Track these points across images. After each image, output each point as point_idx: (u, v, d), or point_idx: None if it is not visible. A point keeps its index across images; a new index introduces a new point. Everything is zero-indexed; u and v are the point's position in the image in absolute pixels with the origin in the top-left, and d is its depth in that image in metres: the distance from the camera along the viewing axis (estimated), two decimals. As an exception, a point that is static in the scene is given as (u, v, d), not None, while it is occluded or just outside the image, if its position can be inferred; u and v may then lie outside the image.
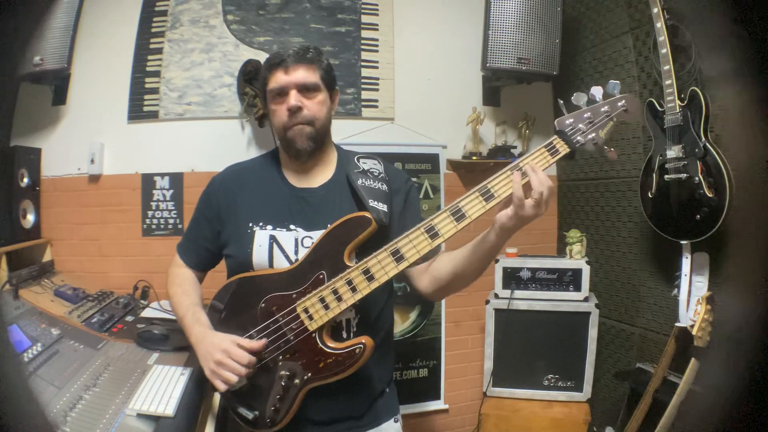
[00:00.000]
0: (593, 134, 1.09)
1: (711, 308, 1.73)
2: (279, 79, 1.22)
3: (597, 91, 1.11)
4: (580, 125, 1.10)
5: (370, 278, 1.12)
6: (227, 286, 1.26)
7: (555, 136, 1.10)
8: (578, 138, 1.09)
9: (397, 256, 1.11)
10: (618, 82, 1.10)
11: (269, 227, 1.24)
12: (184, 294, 1.32)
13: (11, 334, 1.42)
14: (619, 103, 1.10)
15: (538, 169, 1.05)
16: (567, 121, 1.11)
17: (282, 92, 1.23)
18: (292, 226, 1.24)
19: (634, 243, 2.39)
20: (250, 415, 1.18)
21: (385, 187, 1.28)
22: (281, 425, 1.19)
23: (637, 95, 2.32)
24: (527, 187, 1.04)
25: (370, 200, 1.21)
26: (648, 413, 1.93)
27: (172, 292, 1.35)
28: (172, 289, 1.35)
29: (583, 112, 1.11)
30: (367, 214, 1.17)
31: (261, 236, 1.24)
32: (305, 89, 1.23)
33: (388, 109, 2.61)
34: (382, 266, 1.11)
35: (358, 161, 1.32)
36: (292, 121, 1.22)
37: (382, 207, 1.22)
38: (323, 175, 1.31)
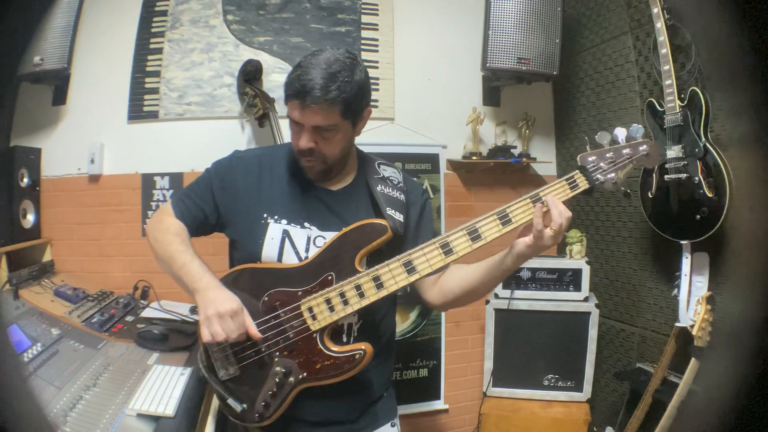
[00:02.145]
0: (613, 174, 1.14)
1: (711, 308, 1.73)
2: (294, 113, 1.14)
3: (620, 133, 1.16)
4: (602, 164, 1.15)
5: (379, 286, 1.12)
6: (230, 274, 1.24)
7: (576, 171, 1.15)
8: (598, 176, 1.14)
9: (409, 268, 1.12)
10: (641, 126, 1.15)
11: (284, 221, 1.22)
12: (183, 243, 1.22)
13: (11, 334, 1.42)
14: (641, 148, 1.14)
15: (558, 201, 1.09)
16: (590, 158, 1.16)
17: (299, 125, 1.16)
18: (306, 224, 1.23)
19: (634, 243, 2.39)
20: (238, 408, 1.17)
21: (403, 197, 1.28)
22: (269, 421, 1.18)
23: (637, 95, 2.32)
24: (546, 217, 1.08)
25: (387, 208, 1.21)
26: (648, 413, 1.93)
27: (168, 239, 1.22)
28: (167, 236, 1.23)
29: (606, 152, 1.16)
30: (384, 222, 1.17)
31: (274, 229, 1.22)
32: (320, 129, 1.15)
33: (388, 109, 2.61)
34: (393, 276, 1.12)
35: (379, 167, 1.32)
36: (304, 157, 1.19)
37: (399, 216, 1.22)
38: (343, 179, 1.30)
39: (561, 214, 1.06)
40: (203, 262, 1.21)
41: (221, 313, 1.10)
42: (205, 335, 1.11)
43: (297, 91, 1.10)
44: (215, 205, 1.27)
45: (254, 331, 1.13)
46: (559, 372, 2.43)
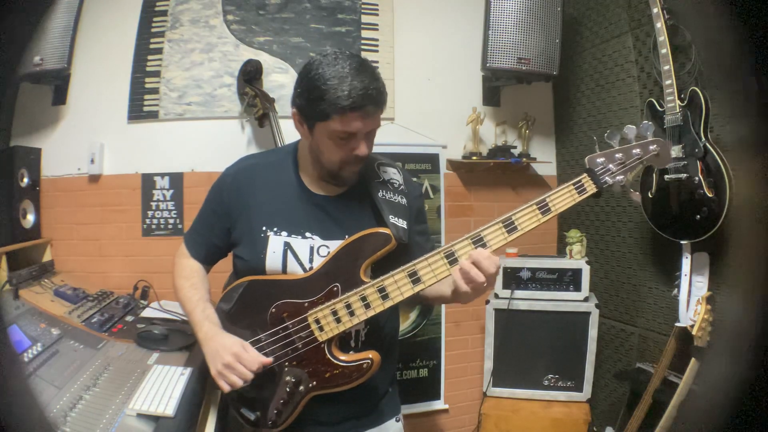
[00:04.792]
0: (621, 176, 1.10)
1: (711, 308, 1.73)
2: (353, 125, 1.08)
3: (630, 131, 1.10)
4: (611, 165, 1.10)
5: (385, 297, 1.12)
6: (237, 286, 1.24)
7: (584, 174, 1.11)
8: (606, 179, 1.10)
9: (414, 278, 1.11)
10: (651, 123, 1.10)
11: (284, 233, 1.22)
12: (192, 288, 1.29)
13: (11, 334, 1.42)
14: (651, 147, 1.09)
15: (478, 261, 1.05)
16: (598, 160, 1.11)
17: (351, 136, 1.12)
18: (308, 234, 1.22)
19: (634, 243, 2.39)
20: (252, 416, 1.20)
21: (404, 201, 1.27)
22: (282, 427, 1.20)
23: (637, 95, 2.32)
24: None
25: (390, 216, 1.20)
26: (648, 413, 1.93)
27: (179, 284, 1.31)
28: (179, 281, 1.32)
29: (616, 152, 1.11)
30: (388, 231, 1.16)
31: (275, 242, 1.21)
32: (372, 132, 1.16)
33: (388, 109, 2.59)
34: (398, 286, 1.11)
35: (379, 169, 1.30)
36: (355, 165, 1.17)
37: (402, 223, 1.21)
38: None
39: (479, 274, 1.04)
40: (208, 305, 1.26)
41: (229, 363, 1.13)
42: (225, 387, 1.15)
43: (360, 103, 1.06)
44: (226, 230, 1.29)
45: (264, 360, 1.16)
46: (559, 372, 2.43)
